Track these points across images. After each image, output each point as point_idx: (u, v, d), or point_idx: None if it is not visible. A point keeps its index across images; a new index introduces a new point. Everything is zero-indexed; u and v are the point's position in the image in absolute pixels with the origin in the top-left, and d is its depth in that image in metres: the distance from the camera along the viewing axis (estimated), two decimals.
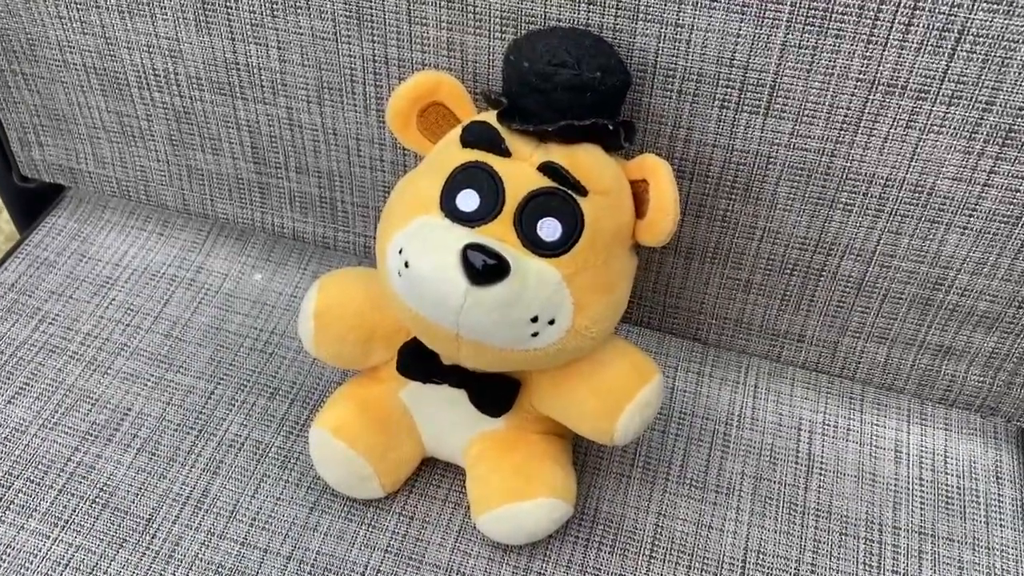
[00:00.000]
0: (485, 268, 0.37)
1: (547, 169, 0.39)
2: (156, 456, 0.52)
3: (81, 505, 0.50)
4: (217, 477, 0.51)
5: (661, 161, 0.40)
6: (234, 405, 0.54)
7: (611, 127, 0.40)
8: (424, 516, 0.49)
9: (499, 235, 0.39)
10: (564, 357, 0.42)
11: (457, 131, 0.42)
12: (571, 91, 0.39)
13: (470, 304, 0.38)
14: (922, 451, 0.53)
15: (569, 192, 0.39)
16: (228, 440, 0.52)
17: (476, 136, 0.40)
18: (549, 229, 0.39)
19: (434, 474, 0.51)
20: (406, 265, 0.39)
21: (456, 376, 0.45)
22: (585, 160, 0.40)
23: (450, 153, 0.41)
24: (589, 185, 0.39)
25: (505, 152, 0.40)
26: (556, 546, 0.48)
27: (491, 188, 0.39)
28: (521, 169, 0.39)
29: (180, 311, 0.59)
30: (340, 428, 0.47)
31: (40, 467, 0.51)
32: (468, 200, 0.39)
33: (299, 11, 0.48)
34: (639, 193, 0.41)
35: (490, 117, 0.41)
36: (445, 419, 0.48)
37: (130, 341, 0.58)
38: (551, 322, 0.40)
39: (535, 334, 0.40)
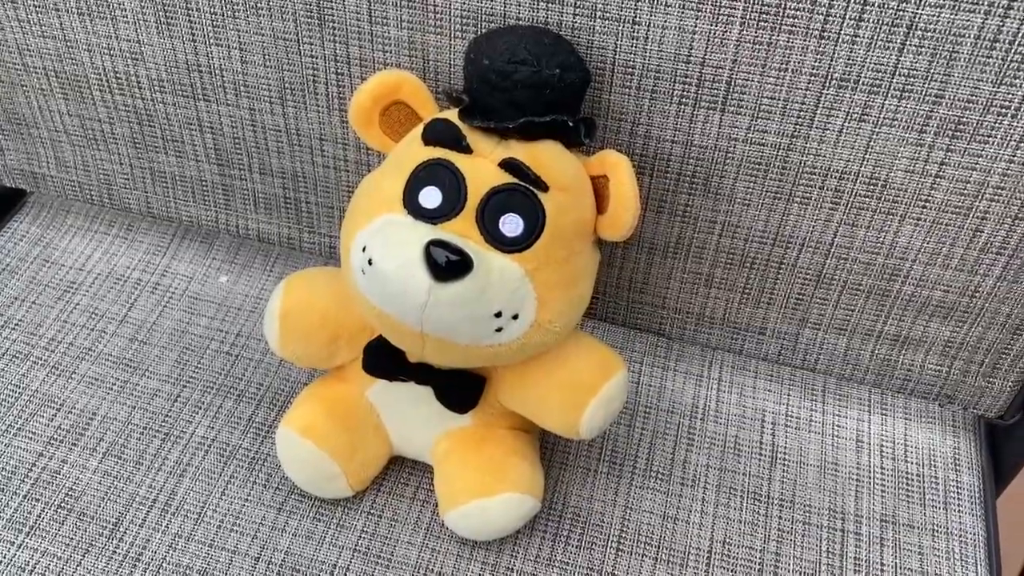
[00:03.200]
0: (448, 264, 0.38)
1: (508, 165, 0.39)
2: (122, 460, 0.52)
3: (46, 510, 0.49)
4: (184, 480, 0.51)
5: (621, 157, 0.41)
6: (200, 407, 0.54)
7: (571, 123, 0.41)
8: (392, 514, 0.50)
9: (462, 231, 0.39)
10: (528, 351, 0.42)
11: (419, 129, 0.42)
12: (531, 88, 0.40)
13: (434, 300, 0.38)
14: (882, 440, 0.53)
15: (530, 188, 0.39)
16: (195, 443, 0.52)
17: (437, 133, 0.41)
18: (511, 225, 0.39)
19: (402, 472, 0.51)
20: (369, 263, 0.39)
21: (421, 373, 0.45)
22: (546, 156, 0.40)
23: (412, 151, 0.41)
24: (550, 181, 0.40)
25: (466, 149, 0.40)
26: (524, 541, 0.49)
27: (453, 185, 0.39)
28: (482, 166, 0.40)
29: (145, 314, 0.59)
30: (307, 428, 0.47)
31: (4, 473, 0.50)
32: (430, 197, 0.40)
33: (260, 12, 0.48)
34: (600, 189, 0.42)
35: (452, 115, 0.41)
36: (412, 417, 0.49)
37: (95, 345, 0.57)
38: (515, 317, 0.40)
39: (499, 329, 0.40)
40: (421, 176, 0.40)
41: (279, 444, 0.49)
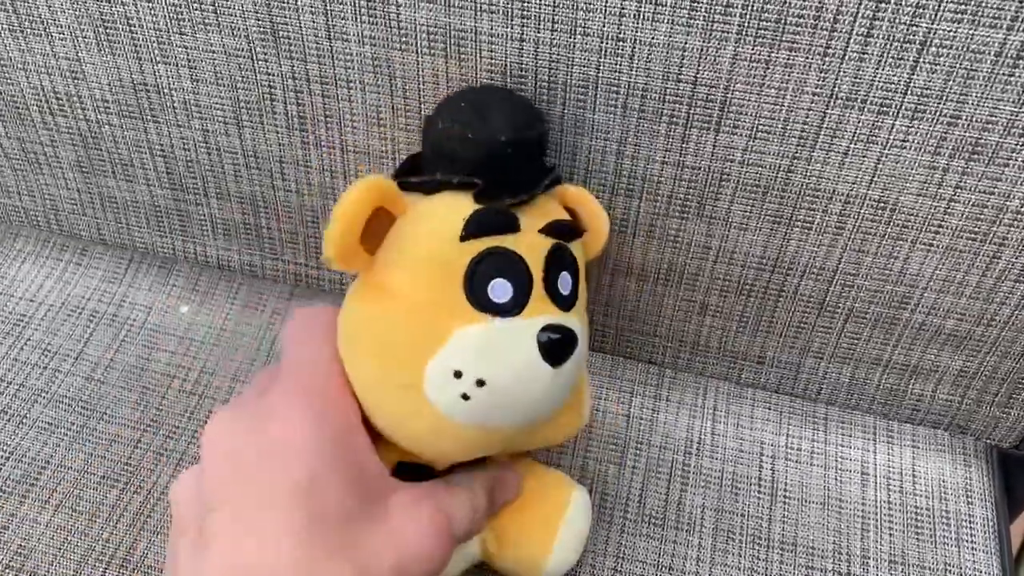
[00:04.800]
0: (559, 344, 0.35)
1: (552, 229, 0.37)
2: (77, 512, 0.48)
3: None
4: (144, 533, 0.47)
5: (579, 189, 0.41)
6: (163, 454, 0.50)
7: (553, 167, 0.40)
8: None
9: (543, 311, 0.36)
10: (573, 391, 0.39)
11: (430, 227, 0.36)
12: (538, 148, 0.39)
13: (555, 387, 0.36)
14: (889, 471, 0.50)
15: (564, 243, 0.38)
16: (157, 493, 0.49)
17: (489, 224, 0.36)
18: (564, 283, 0.37)
19: None
20: (479, 384, 0.34)
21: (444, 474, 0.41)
22: (552, 209, 0.39)
23: (446, 251, 0.35)
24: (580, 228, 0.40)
25: (516, 227, 0.36)
26: None
27: (518, 269, 0.36)
28: (530, 239, 0.37)
29: (102, 351, 0.55)
30: None
31: None
32: (502, 290, 0.35)
33: (208, 28, 0.43)
34: None
35: (456, 200, 0.36)
36: None
37: (48, 386, 0.53)
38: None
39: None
40: (481, 272, 0.35)
41: None
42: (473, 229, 0.35)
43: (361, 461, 0.34)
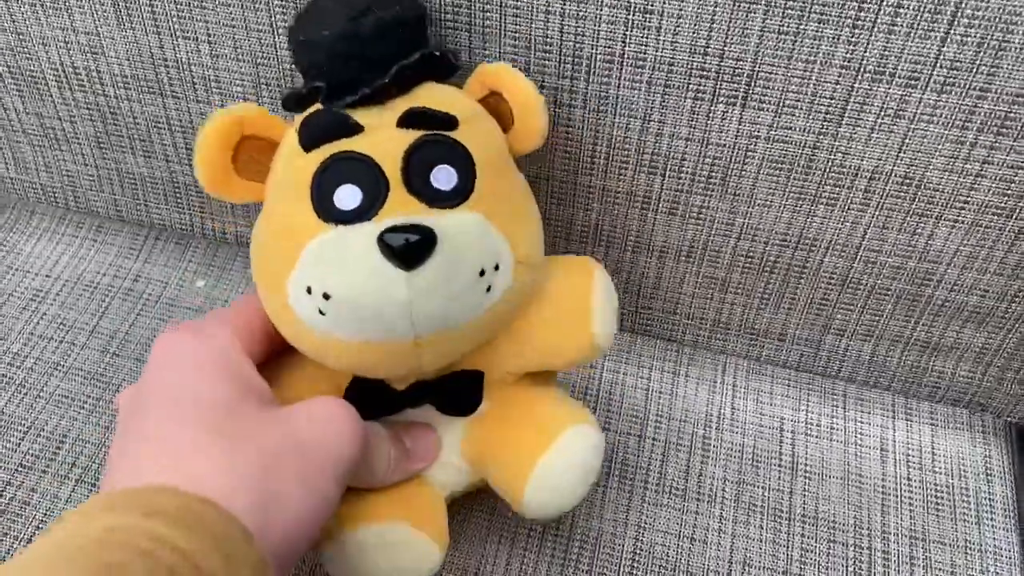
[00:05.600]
0: (411, 245, 0.32)
1: (409, 117, 0.35)
2: (96, 486, 0.48)
3: (15, 546, 0.46)
4: None
5: (499, 64, 0.37)
6: None
7: (439, 53, 0.36)
8: None
9: (402, 210, 0.34)
10: (523, 296, 0.38)
11: (289, 143, 0.36)
12: (383, 35, 0.35)
13: (416, 293, 0.33)
14: (908, 448, 0.50)
15: (443, 133, 0.35)
16: None
17: (319, 129, 0.35)
18: (445, 177, 0.35)
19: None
20: (326, 297, 0.34)
21: (414, 395, 0.41)
22: (434, 97, 0.36)
23: (296, 167, 0.35)
24: (454, 114, 0.35)
25: (357, 128, 0.35)
26: (531, 563, 0.46)
27: (366, 171, 0.34)
28: (382, 136, 0.35)
29: (117, 324, 0.55)
30: (368, 514, 0.40)
31: None
32: (349, 196, 0.34)
33: (230, 2, 0.43)
34: (494, 108, 0.38)
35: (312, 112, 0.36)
36: None
37: (64, 360, 0.53)
38: (496, 268, 0.35)
39: (488, 288, 0.35)
40: (326, 180, 0.34)
41: (350, 555, 0.39)
42: (307, 138, 0.35)
43: (240, 371, 0.35)
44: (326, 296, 0.34)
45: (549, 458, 0.39)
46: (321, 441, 0.34)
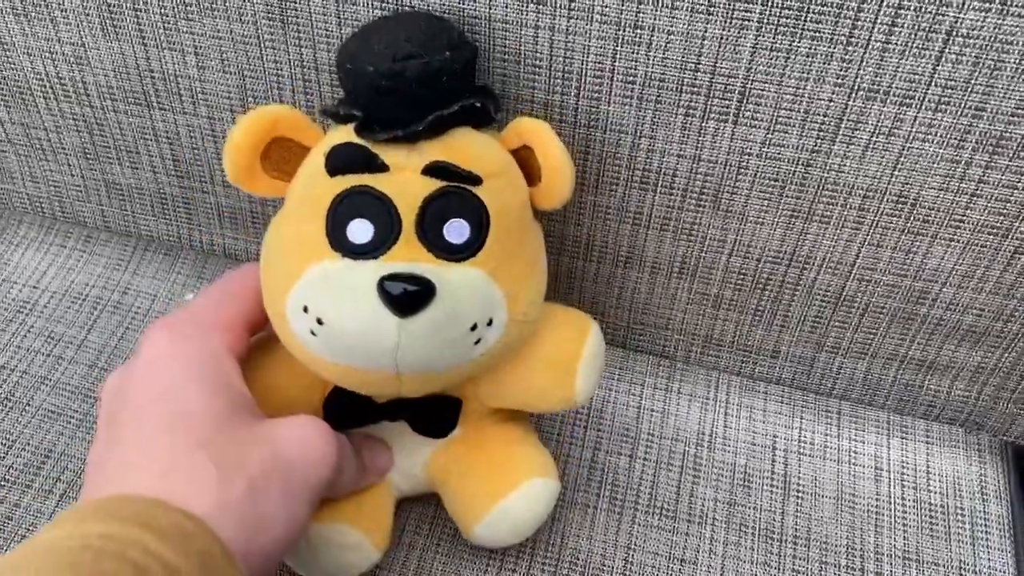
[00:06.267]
0: (409, 295, 0.33)
1: (434, 170, 0.35)
2: None
3: None
4: None
5: (537, 122, 0.37)
6: None
7: (479, 105, 0.36)
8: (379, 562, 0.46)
9: (408, 256, 0.35)
10: (509, 350, 0.39)
11: (316, 160, 0.36)
12: (427, 82, 0.35)
13: (406, 339, 0.34)
14: (903, 467, 0.50)
15: (464, 187, 0.35)
16: None
17: (345, 160, 0.36)
18: (457, 231, 0.35)
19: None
20: (319, 322, 0.35)
21: (391, 411, 0.42)
22: (465, 147, 0.36)
23: (318, 186, 0.36)
24: (480, 171, 0.36)
25: (382, 167, 0.35)
26: None
27: (381, 210, 0.35)
28: (405, 179, 0.35)
29: (105, 338, 0.55)
30: None
31: None
32: (361, 231, 0.35)
33: (216, 14, 0.43)
34: (524, 160, 0.38)
35: (346, 134, 0.36)
36: (395, 451, 0.44)
37: (51, 374, 0.53)
38: (489, 323, 0.36)
39: (478, 341, 0.36)
40: (342, 211, 0.35)
41: (299, 547, 0.42)
42: (331, 165, 0.36)
43: (229, 380, 0.36)
44: (319, 321, 0.35)
45: (508, 503, 0.42)
46: (302, 465, 0.35)
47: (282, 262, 0.37)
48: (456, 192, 0.35)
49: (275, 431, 0.35)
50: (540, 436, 0.46)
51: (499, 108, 0.38)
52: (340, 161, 0.36)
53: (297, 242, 0.36)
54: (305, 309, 0.35)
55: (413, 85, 0.35)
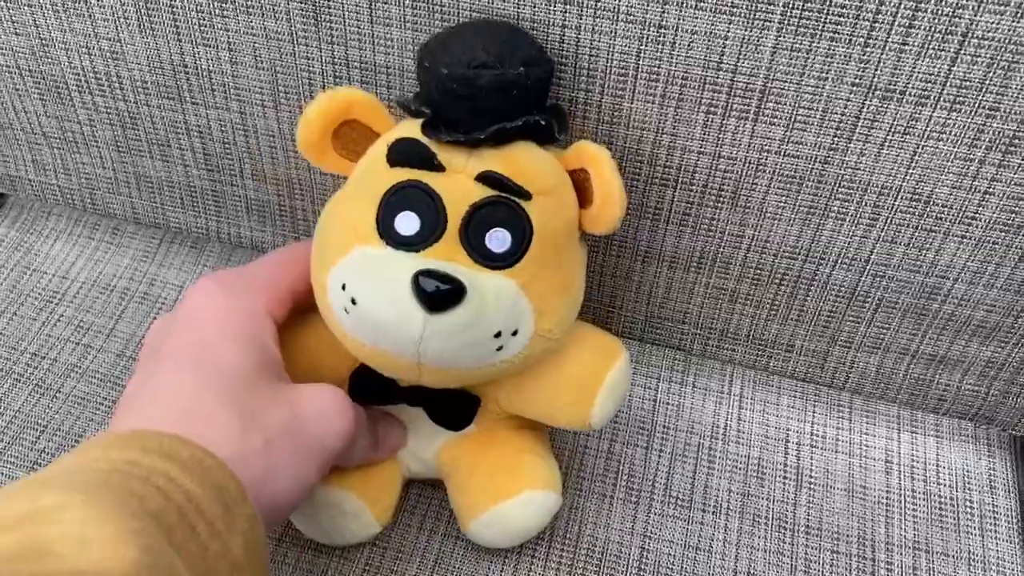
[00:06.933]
0: (440, 293, 0.35)
1: (486, 179, 0.37)
2: None
3: None
4: None
5: (599, 149, 0.38)
6: None
7: (543, 123, 0.37)
8: (399, 545, 0.47)
9: (447, 256, 0.36)
10: (531, 362, 0.40)
11: (380, 149, 0.38)
12: (497, 92, 0.36)
13: (430, 333, 0.35)
14: (913, 461, 0.51)
15: (513, 199, 0.37)
16: None
17: (405, 155, 0.37)
18: (498, 240, 0.37)
19: (408, 499, 0.48)
20: (353, 302, 0.36)
21: (412, 396, 0.43)
22: (523, 161, 0.37)
23: (378, 174, 0.38)
24: (531, 187, 0.37)
25: (439, 167, 0.37)
26: (538, 573, 0.46)
27: (430, 207, 0.36)
28: (458, 182, 0.37)
29: (133, 327, 0.56)
30: None
31: None
32: (408, 223, 0.36)
33: (251, 11, 0.44)
34: (579, 182, 0.39)
35: (413, 128, 0.38)
36: (410, 433, 0.46)
37: (80, 362, 0.54)
38: (514, 333, 0.37)
39: (499, 348, 0.37)
40: (394, 202, 0.37)
41: (304, 507, 0.44)
42: (392, 156, 0.37)
43: (263, 342, 0.38)
44: (353, 301, 0.36)
45: (506, 507, 0.44)
46: (317, 431, 0.37)
47: (331, 238, 0.38)
48: (504, 203, 0.37)
49: (297, 395, 0.37)
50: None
51: (565, 129, 0.39)
52: (400, 154, 0.37)
53: (347, 222, 0.38)
54: (343, 287, 0.37)
55: (483, 93, 0.36)
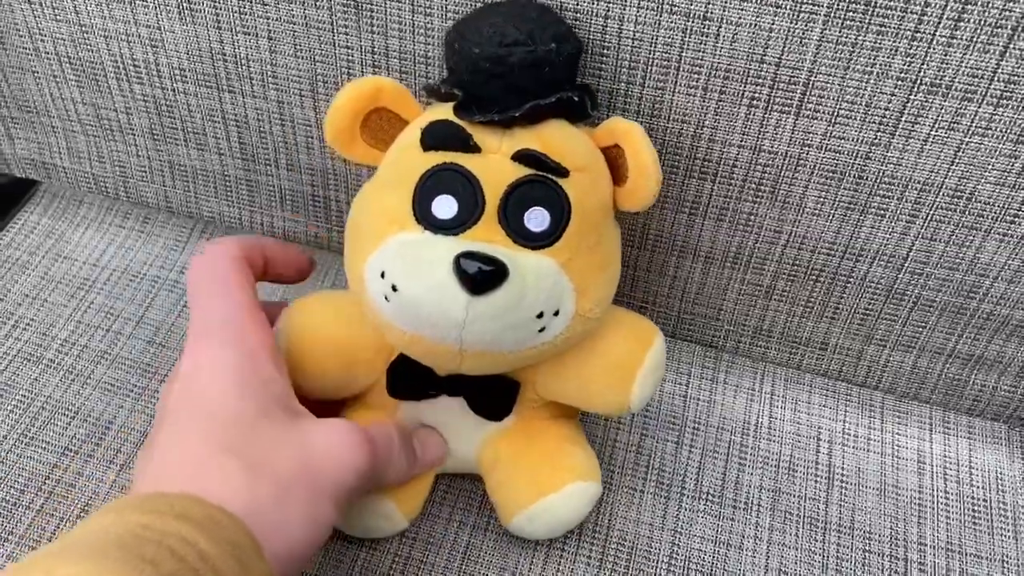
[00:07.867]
0: (482, 275, 0.35)
1: (524, 158, 0.36)
2: None
3: (62, 527, 0.46)
4: None
5: (631, 124, 0.38)
6: None
7: (577, 99, 0.37)
8: (428, 537, 0.47)
9: (487, 237, 0.36)
10: (571, 343, 0.40)
11: (412, 134, 0.38)
12: (529, 70, 0.36)
13: (473, 316, 0.35)
14: (946, 461, 0.50)
15: (550, 177, 0.37)
16: None
17: (440, 137, 0.37)
18: (537, 219, 0.36)
19: (438, 491, 0.48)
20: (394, 289, 0.36)
21: (452, 386, 0.43)
22: (557, 139, 0.37)
23: (411, 159, 0.38)
24: (567, 164, 0.37)
25: (475, 148, 0.37)
26: (568, 567, 0.46)
27: (467, 189, 0.36)
28: (495, 162, 0.37)
29: (163, 315, 0.56)
30: None
31: (16, 487, 0.48)
32: (445, 207, 0.36)
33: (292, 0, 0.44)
34: (612, 159, 0.39)
35: (445, 112, 0.38)
36: (449, 430, 0.46)
37: (111, 348, 0.54)
38: (555, 313, 0.37)
39: (541, 329, 0.37)
40: (430, 185, 0.37)
41: None
42: (426, 140, 0.37)
43: (265, 376, 0.37)
44: (394, 288, 0.36)
45: (551, 501, 0.43)
46: (330, 469, 0.36)
47: (366, 227, 0.38)
48: (541, 181, 0.36)
49: (305, 435, 0.36)
50: (587, 420, 0.47)
51: (596, 106, 0.39)
52: (434, 138, 0.37)
53: (382, 210, 0.38)
54: (382, 275, 0.37)
55: (515, 71, 0.36)
